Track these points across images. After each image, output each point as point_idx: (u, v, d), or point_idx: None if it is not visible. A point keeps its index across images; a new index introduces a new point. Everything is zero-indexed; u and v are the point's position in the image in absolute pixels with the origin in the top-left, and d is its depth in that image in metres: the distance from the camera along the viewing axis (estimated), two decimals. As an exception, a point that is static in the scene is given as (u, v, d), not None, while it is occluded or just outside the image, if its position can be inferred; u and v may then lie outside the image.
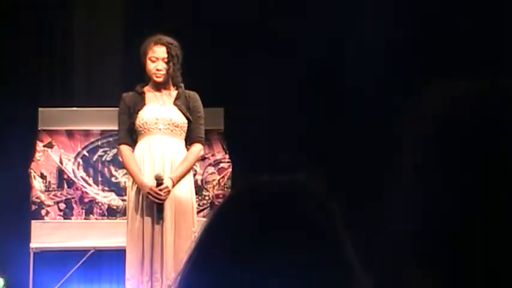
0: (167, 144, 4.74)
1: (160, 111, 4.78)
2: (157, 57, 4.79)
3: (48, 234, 6.31)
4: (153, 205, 4.64)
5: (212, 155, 6.56)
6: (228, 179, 6.53)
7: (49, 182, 6.44)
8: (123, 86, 5.19)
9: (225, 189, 6.49)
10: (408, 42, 6.14)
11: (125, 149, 4.81)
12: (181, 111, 4.80)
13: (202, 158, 6.55)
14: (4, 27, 6.51)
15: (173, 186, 4.65)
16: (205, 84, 6.27)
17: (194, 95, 4.89)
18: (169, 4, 6.67)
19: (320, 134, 6.27)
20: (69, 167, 6.45)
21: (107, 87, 6.53)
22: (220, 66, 6.35)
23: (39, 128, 6.46)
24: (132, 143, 4.82)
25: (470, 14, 5.92)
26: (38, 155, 6.42)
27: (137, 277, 4.65)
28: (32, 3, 6.65)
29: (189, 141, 4.83)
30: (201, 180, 6.50)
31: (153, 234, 4.64)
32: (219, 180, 6.54)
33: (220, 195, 6.43)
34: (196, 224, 4.75)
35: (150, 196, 4.60)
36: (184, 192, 4.74)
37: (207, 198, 6.50)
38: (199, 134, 4.85)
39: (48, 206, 6.39)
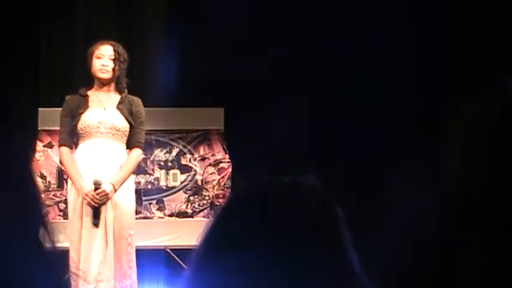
0: (108, 148, 4.76)
1: (103, 115, 4.80)
2: (104, 55, 4.83)
3: (48, 234, 6.30)
4: (90, 209, 4.66)
5: (212, 155, 6.55)
6: (228, 179, 6.53)
7: (49, 182, 6.44)
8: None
9: (225, 189, 6.49)
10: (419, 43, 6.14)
11: (65, 151, 4.82)
12: (123, 115, 4.82)
13: (202, 158, 6.55)
14: (4, 27, 6.51)
15: (115, 191, 4.66)
16: (205, 84, 6.28)
17: (137, 100, 4.91)
18: (170, 4, 6.67)
19: (320, 133, 6.27)
20: (69, 167, 6.45)
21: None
22: (220, 66, 6.35)
23: (39, 128, 6.46)
24: (73, 145, 4.85)
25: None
26: (38, 155, 6.42)
27: (80, 278, 4.65)
28: (32, 3, 6.65)
29: (130, 145, 4.86)
30: (201, 180, 6.50)
31: (92, 237, 4.66)
32: (219, 180, 6.54)
33: (220, 195, 6.43)
34: (134, 226, 4.82)
35: (86, 199, 4.62)
36: (124, 195, 4.75)
37: (207, 198, 6.50)
38: (140, 139, 4.88)
39: (48, 206, 6.38)
